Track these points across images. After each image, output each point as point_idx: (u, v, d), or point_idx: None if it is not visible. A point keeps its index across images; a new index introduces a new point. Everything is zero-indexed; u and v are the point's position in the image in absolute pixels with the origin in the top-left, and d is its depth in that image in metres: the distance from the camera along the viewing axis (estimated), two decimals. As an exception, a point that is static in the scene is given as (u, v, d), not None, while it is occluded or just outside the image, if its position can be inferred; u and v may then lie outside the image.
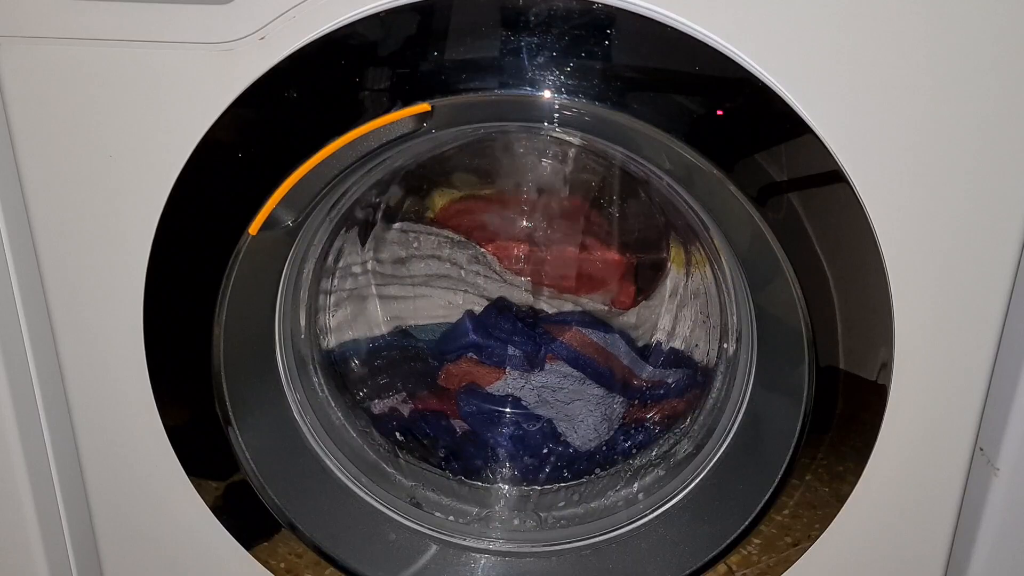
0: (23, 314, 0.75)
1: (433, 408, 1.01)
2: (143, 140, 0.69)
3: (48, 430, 0.79)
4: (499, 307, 1.06)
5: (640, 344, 1.05)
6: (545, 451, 0.97)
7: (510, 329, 1.04)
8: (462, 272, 1.08)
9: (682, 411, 0.94)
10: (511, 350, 1.04)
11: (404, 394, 1.01)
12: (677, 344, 1.02)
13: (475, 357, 1.04)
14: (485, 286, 1.08)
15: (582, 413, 0.99)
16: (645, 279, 1.08)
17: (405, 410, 1.00)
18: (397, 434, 0.96)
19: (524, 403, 1.01)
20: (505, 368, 1.03)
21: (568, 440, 0.98)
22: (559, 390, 1.03)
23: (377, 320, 1.04)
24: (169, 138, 0.68)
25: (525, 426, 0.99)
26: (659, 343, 1.04)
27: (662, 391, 1.00)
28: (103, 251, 0.73)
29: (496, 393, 1.02)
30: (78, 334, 0.77)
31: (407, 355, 1.05)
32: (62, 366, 0.79)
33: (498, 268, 1.09)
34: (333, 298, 0.99)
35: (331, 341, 0.98)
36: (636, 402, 1.01)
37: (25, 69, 0.67)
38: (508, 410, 1.01)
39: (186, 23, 0.64)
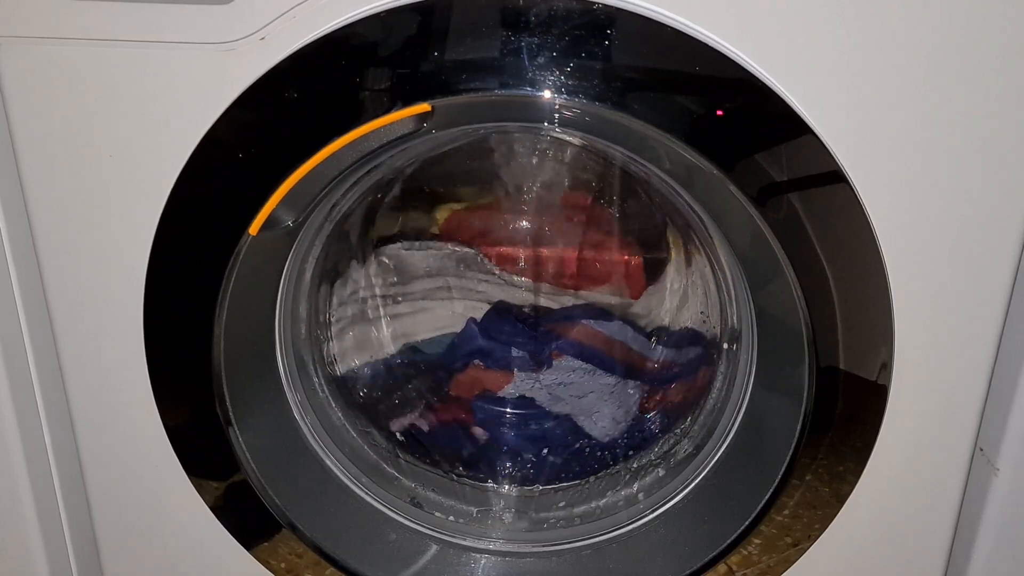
0: (23, 314, 0.75)
1: (450, 420, 1.00)
2: (143, 140, 0.68)
3: (48, 430, 0.79)
4: (498, 310, 1.06)
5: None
6: (564, 447, 0.96)
7: (511, 331, 1.04)
8: (460, 280, 1.08)
9: (697, 392, 0.92)
10: (515, 352, 1.03)
11: (419, 410, 1.00)
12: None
13: (482, 364, 1.03)
14: (485, 290, 1.08)
15: (597, 404, 0.98)
16: (645, 278, 1.08)
17: (424, 425, 0.99)
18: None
19: (538, 403, 1.01)
20: (513, 371, 1.03)
21: (589, 433, 0.97)
22: (570, 385, 1.02)
23: (384, 341, 1.03)
24: (169, 138, 0.68)
25: (544, 425, 0.98)
26: (665, 327, 1.03)
27: (676, 371, 0.98)
28: (103, 251, 0.73)
29: (508, 396, 1.01)
30: (78, 334, 0.77)
31: (417, 371, 1.04)
32: (62, 366, 0.79)
33: (495, 270, 1.09)
34: (336, 327, 0.97)
35: (339, 368, 0.97)
36: (650, 386, 1.00)
37: (25, 69, 0.67)
38: (524, 411, 1.00)
39: (186, 23, 0.64)
